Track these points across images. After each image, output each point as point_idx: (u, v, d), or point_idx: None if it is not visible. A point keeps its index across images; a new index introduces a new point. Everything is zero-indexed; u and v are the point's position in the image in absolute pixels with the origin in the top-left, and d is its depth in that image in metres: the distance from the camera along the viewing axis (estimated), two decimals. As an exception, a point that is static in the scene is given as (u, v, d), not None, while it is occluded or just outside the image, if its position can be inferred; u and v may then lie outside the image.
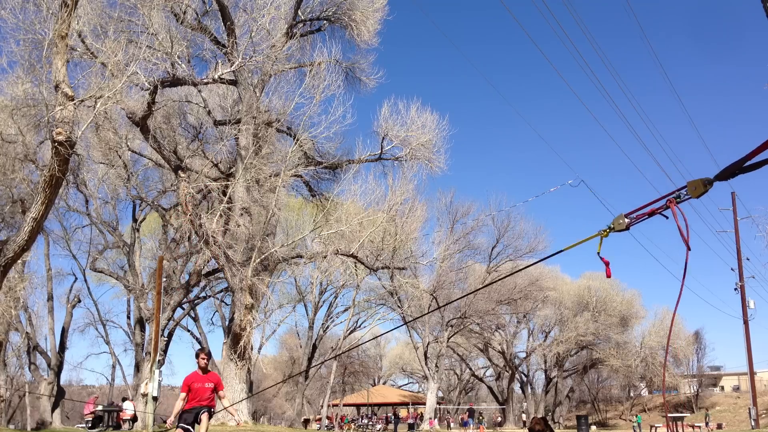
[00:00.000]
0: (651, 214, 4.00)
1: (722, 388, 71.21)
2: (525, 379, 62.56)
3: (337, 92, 21.36)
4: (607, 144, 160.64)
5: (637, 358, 54.17)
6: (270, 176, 20.65)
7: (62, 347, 32.69)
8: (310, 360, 44.93)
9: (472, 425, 45.43)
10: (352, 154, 23.50)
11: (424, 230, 34.67)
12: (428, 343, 44.17)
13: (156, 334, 19.60)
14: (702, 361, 64.59)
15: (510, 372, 58.14)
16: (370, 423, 49.93)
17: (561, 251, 4.91)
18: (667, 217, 3.94)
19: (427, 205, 33.58)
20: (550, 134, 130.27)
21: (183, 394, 9.06)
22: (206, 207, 23.49)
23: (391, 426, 47.37)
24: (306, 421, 45.32)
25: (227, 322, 24.22)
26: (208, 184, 20.30)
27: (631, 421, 55.50)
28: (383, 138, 23.44)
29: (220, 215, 20.09)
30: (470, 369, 67.04)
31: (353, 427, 48.51)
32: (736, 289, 33.67)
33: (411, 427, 45.65)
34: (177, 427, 8.80)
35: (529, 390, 61.87)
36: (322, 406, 46.75)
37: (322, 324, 47.12)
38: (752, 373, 33.00)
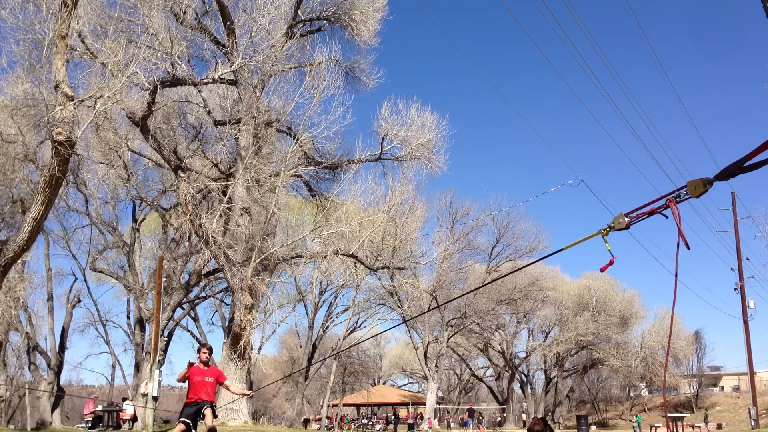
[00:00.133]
0: (651, 213, 4.02)
1: (722, 388, 71.21)
2: (525, 379, 62.57)
3: (337, 92, 21.38)
4: (607, 144, 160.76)
5: (637, 358, 54.16)
6: (270, 176, 20.64)
7: (62, 347, 32.70)
8: (310, 360, 44.94)
9: (471, 425, 45.44)
10: (352, 154, 23.52)
11: (424, 230, 34.70)
12: (428, 343, 44.17)
13: (156, 334, 19.60)
14: (702, 361, 64.70)
15: (510, 372, 58.13)
16: (370, 423, 49.94)
17: (561, 250, 4.94)
18: (666, 217, 3.95)
19: (427, 205, 33.62)
20: (550, 134, 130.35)
21: (185, 371, 9.13)
22: (206, 207, 23.48)
23: (391, 426, 47.37)
24: (306, 421, 45.31)
25: (227, 322, 24.22)
26: (208, 184, 20.30)
27: (631, 421, 55.50)
28: (383, 138, 23.44)
29: (220, 215, 20.09)
30: (470, 369, 67.03)
31: (353, 427, 48.52)
32: (736, 289, 33.68)
33: (411, 427, 45.66)
34: (179, 421, 8.82)
35: (529, 390, 61.86)
36: (322, 406, 46.77)
37: (322, 324, 47.17)
38: (752, 373, 33.00)
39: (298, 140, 21.52)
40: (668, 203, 3.87)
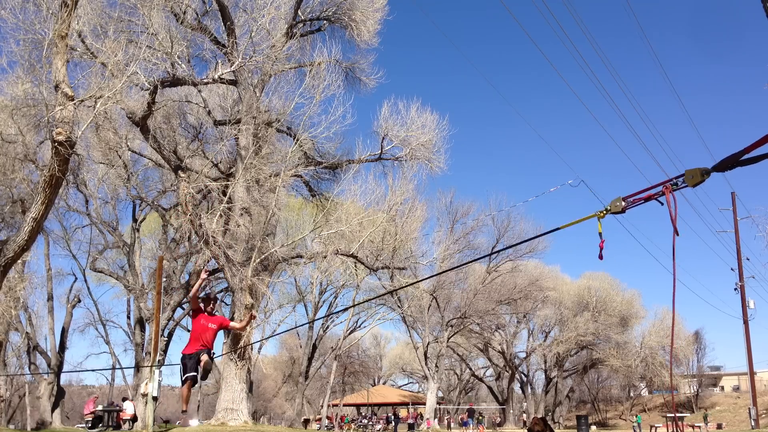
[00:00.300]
0: (647, 199, 4.07)
1: (722, 388, 71.22)
2: (525, 379, 62.58)
3: (337, 92, 21.37)
4: (607, 144, 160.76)
5: (637, 358, 54.17)
6: (270, 176, 20.63)
7: (62, 347, 32.70)
8: (310, 360, 44.95)
9: (471, 425, 45.44)
10: (352, 154, 23.50)
11: (424, 230, 34.72)
12: (428, 343, 44.18)
13: (156, 334, 19.62)
14: (702, 361, 64.68)
15: (510, 372, 58.14)
16: (370, 423, 49.93)
17: (558, 228, 4.98)
18: (662, 204, 4.00)
19: (427, 205, 33.63)
20: (550, 134, 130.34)
21: (199, 283, 9.26)
22: (206, 207, 23.48)
23: (391, 426, 47.38)
24: (306, 421, 45.32)
25: (227, 322, 24.18)
26: (208, 184, 20.29)
27: (631, 421, 55.50)
28: (383, 138, 23.42)
29: (220, 215, 20.09)
30: (470, 369, 67.04)
31: (353, 427, 48.52)
32: (736, 289, 33.68)
33: (411, 427, 45.66)
34: (185, 378, 8.78)
35: (529, 390, 61.87)
36: (322, 406, 46.80)
37: (322, 324, 47.19)
38: (752, 373, 33.01)
39: (298, 140, 21.52)
40: (664, 190, 3.92)
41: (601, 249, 4.45)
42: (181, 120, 23.87)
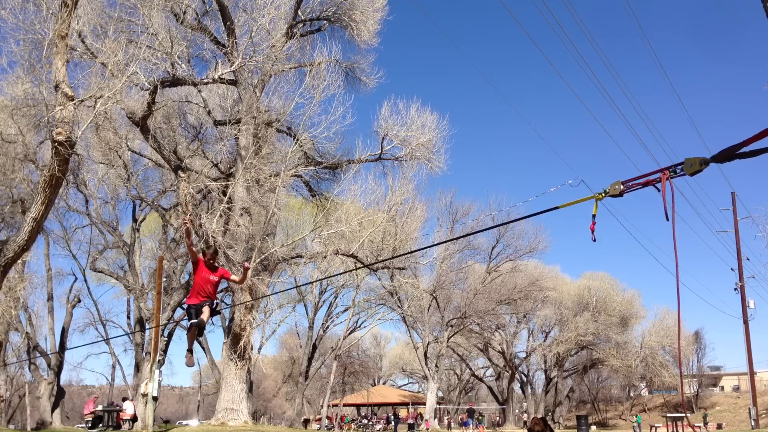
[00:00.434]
0: (645, 184, 4.14)
1: (722, 388, 71.23)
2: (525, 379, 62.57)
3: (337, 92, 21.39)
4: (607, 144, 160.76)
5: (637, 358, 54.15)
6: (270, 176, 20.63)
7: (62, 347, 32.70)
8: (310, 360, 44.95)
9: (471, 425, 45.43)
10: (352, 154, 23.52)
11: (424, 230, 34.72)
12: (428, 343, 44.17)
13: (156, 334, 19.62)
14: (702, 361, 64.69)
15: (510, 372, 58.13)
16: (370, 423, 49.93)
17: (556, 208, 5.00)
18: (659, 190, 4.04)
19: (427, 205, 33.67)
20: (550, 134, 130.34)
21: (188, 239, 9.20)
22: (206, 207, 23.48)
23: (391, 426, 47.38)
24: (306, 421, 45.32)
25: (227, 322, 24.21)
26: (208, 184, 20.29)
27: (631, 421, 55.50)
28: (383, 138, 23.44)
29: (220, 215, 20.09)
30: (470, 369, 67.03)
31: (353, 427, 48.51)
32: (736, 289, 33.67)
33: (411, 427, 45.65)
34: (192, 324, 8.78)
35: (529, 390, 61.87)
36: (322, 406, 46.77)
37: (322, 324, 47.19)
38: (752, 373, 33.00)
39: (298, 140, 21.52)
40: (662, 176, 3.97)
41: (593, 231, 4.54)
42: (181, 120, 23.88)
